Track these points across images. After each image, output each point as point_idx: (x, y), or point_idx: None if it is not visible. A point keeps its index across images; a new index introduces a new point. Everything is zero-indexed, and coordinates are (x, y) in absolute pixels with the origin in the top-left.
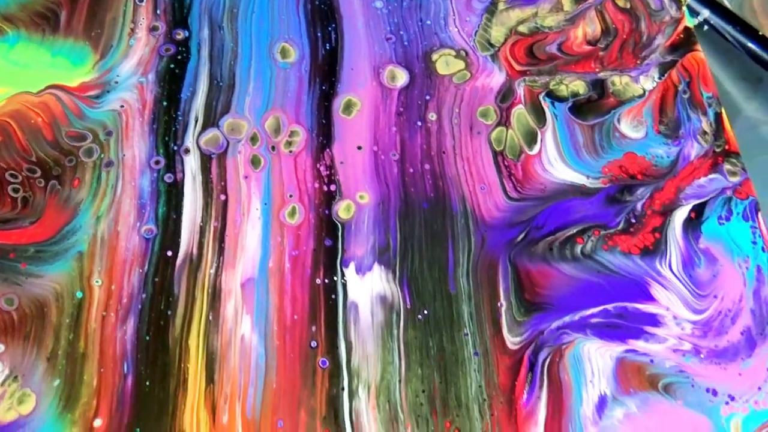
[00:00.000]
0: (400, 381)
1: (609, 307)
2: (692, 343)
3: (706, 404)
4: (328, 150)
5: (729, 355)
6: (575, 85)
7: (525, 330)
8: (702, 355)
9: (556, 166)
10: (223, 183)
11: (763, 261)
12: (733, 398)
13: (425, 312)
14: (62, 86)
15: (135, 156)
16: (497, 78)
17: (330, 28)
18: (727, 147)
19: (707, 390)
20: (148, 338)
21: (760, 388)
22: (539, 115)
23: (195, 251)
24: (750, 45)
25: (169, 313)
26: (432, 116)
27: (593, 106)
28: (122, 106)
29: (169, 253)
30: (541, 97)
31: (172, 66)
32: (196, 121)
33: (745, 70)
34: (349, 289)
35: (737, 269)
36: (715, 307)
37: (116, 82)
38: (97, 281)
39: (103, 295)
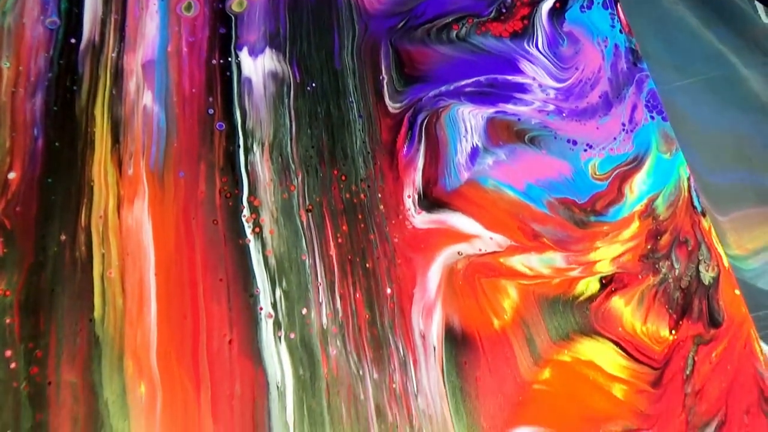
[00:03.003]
0: (291, 139)
1: (481, 78)
2: (555, 105)
3: (567, 152)
4: None
5: (588, 114)
6: None
7: (404, 98)
8: (564, 114)
9: None
10: None
11: (620, 40)
12: (591, 146)
13: (313, 85)
14: None
15: None
16: None
17: None
18: None
19: (568, 141)
20: (56, 109)
21: (615, 138)
22: None
23: (97, 38)
24: None
25: (75, 88)
26: None
27: None
28: None
29: (73, 41)
30: None
31: None
32: None
33: None
34: (243, 67)
35: (596, 47)
36: (576, 77)
37: None
38: (5, 63)
39: (12, 74)
